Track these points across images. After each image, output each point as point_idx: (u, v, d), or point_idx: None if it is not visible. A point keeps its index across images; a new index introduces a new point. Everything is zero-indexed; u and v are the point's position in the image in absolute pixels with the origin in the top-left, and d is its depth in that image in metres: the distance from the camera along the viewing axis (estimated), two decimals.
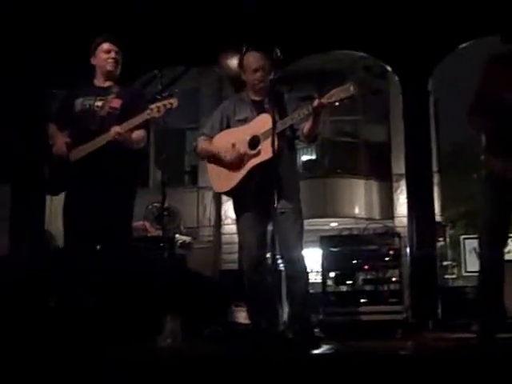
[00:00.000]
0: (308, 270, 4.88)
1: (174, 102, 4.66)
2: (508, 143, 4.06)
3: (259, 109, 4.76)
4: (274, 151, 4.32)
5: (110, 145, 4.71)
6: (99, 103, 4.91)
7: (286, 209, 4.69)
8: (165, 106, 4.64)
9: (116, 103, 4.90)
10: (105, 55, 5.01)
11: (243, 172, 4.68)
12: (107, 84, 5.04)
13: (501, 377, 3.01)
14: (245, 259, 4.87)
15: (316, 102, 4.39)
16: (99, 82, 5.08)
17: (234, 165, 4.72)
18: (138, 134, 4.83)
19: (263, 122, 4.57)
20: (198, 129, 16.42)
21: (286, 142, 4.73)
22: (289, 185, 4.74)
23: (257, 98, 4.84)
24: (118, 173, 4.79)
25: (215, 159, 4.87)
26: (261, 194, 4.54)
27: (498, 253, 4.24)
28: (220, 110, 5.00)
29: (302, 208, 4.87)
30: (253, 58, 4.79)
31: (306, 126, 4.61)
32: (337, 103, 4.38)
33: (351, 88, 4.37)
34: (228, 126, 4.89)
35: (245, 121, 4.79)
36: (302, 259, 4.79)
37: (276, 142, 4.39)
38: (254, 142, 4.64)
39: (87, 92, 5.01)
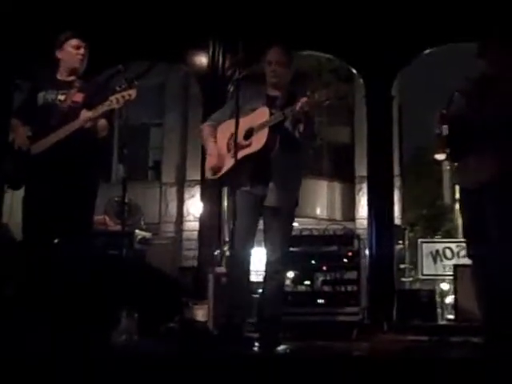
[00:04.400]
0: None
1: (133, 93, 4.65)
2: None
3: (270, 103, 4.80)
4: (259, 145, 4.54)
5: (71, 138, 4.69)
6: (61, 97, 4.87)
7: (276, 206, 4.70)
8: (123, 97, 4.63)
9: (78, 97, 4.86)
10: (74, 51, 4.98)
11: (233, 161, 4.60)
12: (70, 78, 5.00)
13: (454, 379, 3.06)
14: (232, 242, 4.78)
15: (301, 103, 4.43)
16: (62, 75, 5.03)
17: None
18: (102, 123, 4.82)
19: (261, 115, 4.68)
20: (163, 125, 16.59)
21: (287, 139, 4.71)
22: (283, 182, 4.72)
23: (273, 92, 4.89)
24: (78, 167, 4.76)
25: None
26: (251, 187, 4.62)
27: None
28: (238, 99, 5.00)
29: (294, 207, 4.89)
30: (277, 52, 4.90)
31: (301, 126, 4.62)
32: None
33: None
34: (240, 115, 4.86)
35: (252, 111, 4.81)
36: (280, 260, 4.78)
37: (265, 135, 4.55)
38: (248, 133, 4.69)
39: (50, 86, 4.97)
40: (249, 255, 4.82)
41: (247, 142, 4.68)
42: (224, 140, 4.88)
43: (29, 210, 4.86)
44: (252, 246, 4.81)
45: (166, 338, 5.67)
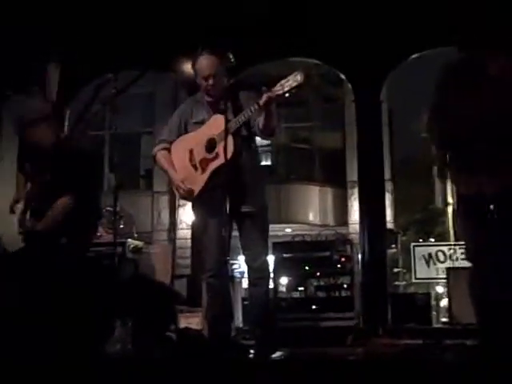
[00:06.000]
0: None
1: None
2: (470, 158, 3.93)
3: (215, 110, 4.66)
4: (229, 153, 4.27)
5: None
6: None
7: (250, 210, 4.63)
8: None
9: (47, 176, 4.85)
10: None
11: (205, 177, 4.57)
12: None
13: (449, 382, 3.06)
14: (206, 264, 4.74)
15: (265, 97, 4.31)
16: None
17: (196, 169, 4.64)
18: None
19: (218, 123, 4.46)
20: (153, 133, 16.59)
21: (245, 140, 4.64)
22: (252, 185, 4.66)
23: (212, 100, 4.73)
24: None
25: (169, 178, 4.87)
26: (223, 196, 4.36)
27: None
28: (177, 114, 4.89)
29: (267, 208, 4.78)
30: (205, 64, 4.67)
31: (261, 121, 4.49)
32: (286, 94, 4.29)
33: (298, 77, 4.28)
34: (186, 130, 4.80)
35: (202, 123, 4.70)
36: (265, 263, 4.75)
37: (232, 143, 4.35)
38: (211, 145, 4.55)
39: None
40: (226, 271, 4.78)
41: (213, 155, 4.53)
42: (184, 160, 4.72)
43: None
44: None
45: (161, 347, 5.66)
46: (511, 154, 3.73)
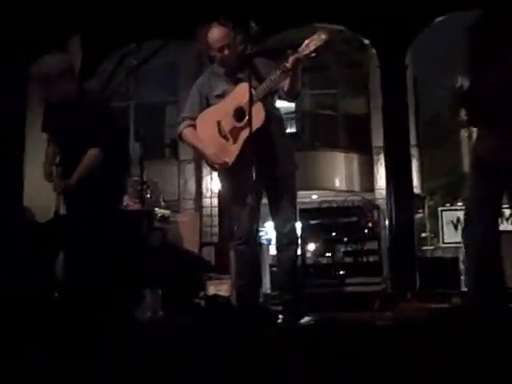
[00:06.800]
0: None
1: None
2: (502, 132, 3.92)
3: (234, 80, 4.62)
4: (260, 119, 4.32)
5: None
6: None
7: (280, 176, 4.62)
8: None
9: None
10: None
11: (238, 146, 4.50)
12: None
13: (477, 346, 3.06)
14: (235, 232, 4.74)
15: (292, 59, 4.29)
16: None
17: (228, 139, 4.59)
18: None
19: (243, 92, 4.36)
20: (178, 102, 16.60)
21: (272, 107, 4.62)
22: (281, 151, 4.64)
23: (229, 70, 4.68)
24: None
25: (200, 154, 4.83)
26: (251, 164, 4.35)
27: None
28: (197, 89, 4.81)
29: (296, 174, 4.76)
30: (217, 35, 4.61)
31: (286, 85, 4.46)
32: (313, 54, 4.28)
33: (322, 35, 4.28)
34: (208, 104, 4.73)
35: (223, 95, 4.65)
36: (294, 229, 4.75)
37: (262, 108, 4.35)
38: (240, 114, 4.49)
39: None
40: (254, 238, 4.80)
41: (243, 123, 4.45)
42: (212, 133, 4.64)
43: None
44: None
45: (190, 314, 5.72)
46: None
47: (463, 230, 4.33)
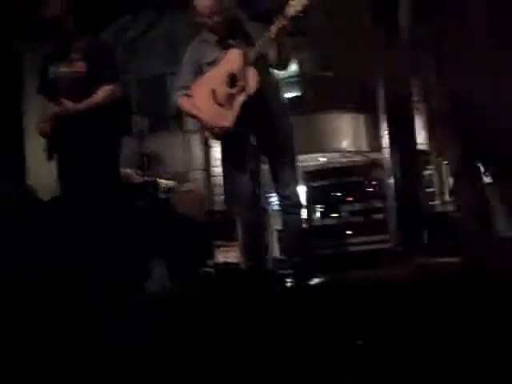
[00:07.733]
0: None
1: None
2: None
3: (225, 46, 4.59)
4: (253, 84, 4.32)
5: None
6: (64, 69, 4.74)
7: (277, 137, 4.62)
8: None
9: (81, 67, 4.72)
10: None
11: (234, 112, 4.47)
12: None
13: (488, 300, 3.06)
14: (238, 198, 4.78)
15: (274, 28, 4.23)
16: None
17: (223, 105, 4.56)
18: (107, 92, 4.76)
19: (235, 58, 4.41)
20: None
21: (265, 71, 4.56)
22: (277, 115, 4.65)
23: (220, 37, 4.64)
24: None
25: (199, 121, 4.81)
26: (248, 130, 4.45)
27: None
28: (189, 58, 4.79)
29: (293, 136, 4.76)
30: (207, 1, 4.52)
31: (273, 53, 4.45)
32: (300, 14, 4.18)
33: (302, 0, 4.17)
34: (200, 73, 4.71)
35: (214, 62, 4.62)
36: (296, 190, 4.77)
37: (254, 73, 4.34)
38: (233, 80, 4.47)
39: (53, 56, 4.84)
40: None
41: (237, 89, 4.43)
42: (208, 100, 4.60)
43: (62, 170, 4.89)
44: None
45: (200, 282, 5.75)
46: None
47: None
